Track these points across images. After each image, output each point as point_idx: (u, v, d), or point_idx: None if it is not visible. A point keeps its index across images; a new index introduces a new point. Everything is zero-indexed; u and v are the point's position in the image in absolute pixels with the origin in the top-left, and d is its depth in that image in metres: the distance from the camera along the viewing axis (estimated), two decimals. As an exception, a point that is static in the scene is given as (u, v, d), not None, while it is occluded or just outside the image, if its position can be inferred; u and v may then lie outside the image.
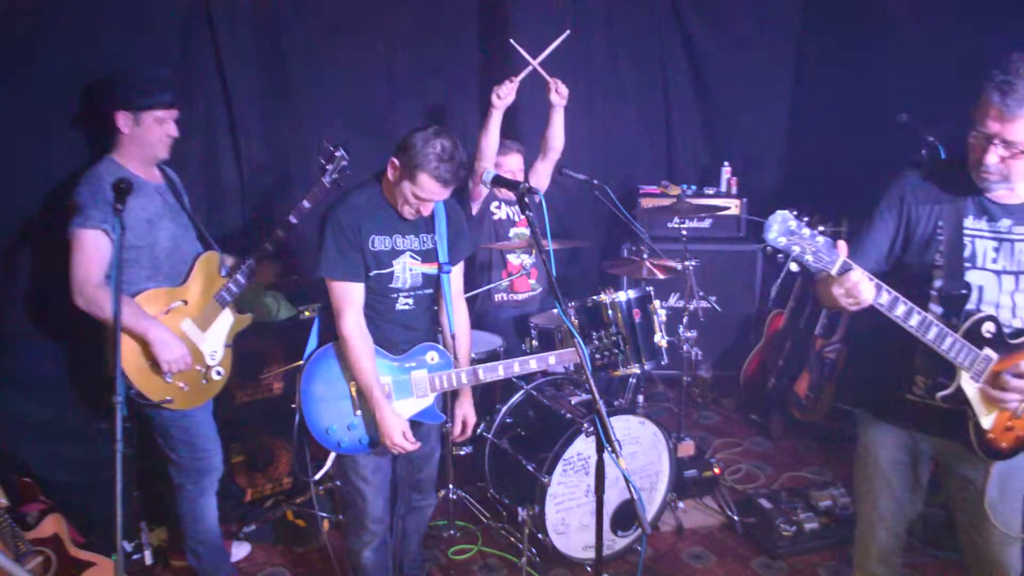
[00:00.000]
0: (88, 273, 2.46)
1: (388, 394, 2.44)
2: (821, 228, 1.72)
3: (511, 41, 3.69)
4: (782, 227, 1.69)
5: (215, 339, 2.78)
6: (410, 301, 2.49)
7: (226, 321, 2.83)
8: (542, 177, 3.94)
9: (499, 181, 2.26)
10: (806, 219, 1.71)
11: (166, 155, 2.71)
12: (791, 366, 4.39)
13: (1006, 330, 1.96)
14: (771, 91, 5.10)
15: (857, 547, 2.36)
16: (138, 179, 2.59)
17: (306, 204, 2.85)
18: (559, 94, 3.70)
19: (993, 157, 1.84)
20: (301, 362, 2.95)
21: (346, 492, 2.59)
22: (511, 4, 4.29)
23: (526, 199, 2.10)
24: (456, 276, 2.63)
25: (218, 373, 2.79)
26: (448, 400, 2.87)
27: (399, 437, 2.39)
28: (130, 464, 2.68)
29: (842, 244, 1.74)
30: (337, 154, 2.89)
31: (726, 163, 4.98)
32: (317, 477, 2.62)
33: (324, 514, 3.51)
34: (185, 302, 2.69)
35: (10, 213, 2.88)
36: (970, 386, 1.96)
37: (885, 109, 3.74)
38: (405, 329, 2.51)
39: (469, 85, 4.37)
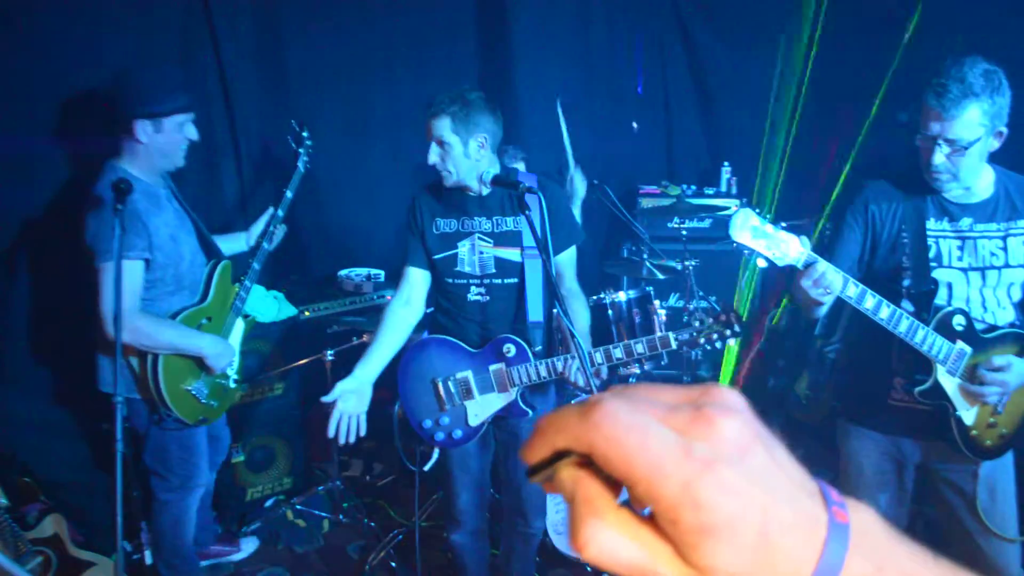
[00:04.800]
0: (131, 304, 2.37)
1: (470, 389, 2.40)
2: (784, 224, 1.78)
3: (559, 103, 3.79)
4: (746, 224, 1.74)
5: (234, 349, 2.74)
6: (483, 291, 2.40)
7: (239, 328, 2.78)
8: None
9: (499, 181, 2.26)
10: (768, 216, 1.75)
11: (183, 162, 2.61)
12: (791, 366, 4.39)
13: (978, 325, 2.01)
14: (771, 91, 5.09)
15: None
16: (156, 192, 2.53)
17: (289, 195, 2.80)
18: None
19: (939, 157, 1.92)
20: (303, 361, 2.94)
21: (443, 477, 2.63)
22: (511, 3, 4.29)
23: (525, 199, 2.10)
24: (569, 266, 2.51)
25: (235, 382, 2.76)
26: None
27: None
28: (130, 464, 2.68)
29: (804, 238, 1.80)
30: (303, 135, 2.83)
31: (726, 163, 4.98)
32: (427, 467, 2.62)
33: (324, 514, 3.52)
34: (209, 319, 2.63)
35: (10, 214, 2.88)
36: (948, 381, 1.99)
37: (885, 108, 3.74)
38: (480, 327, 2.41)
39: (469, 82, 4.36)
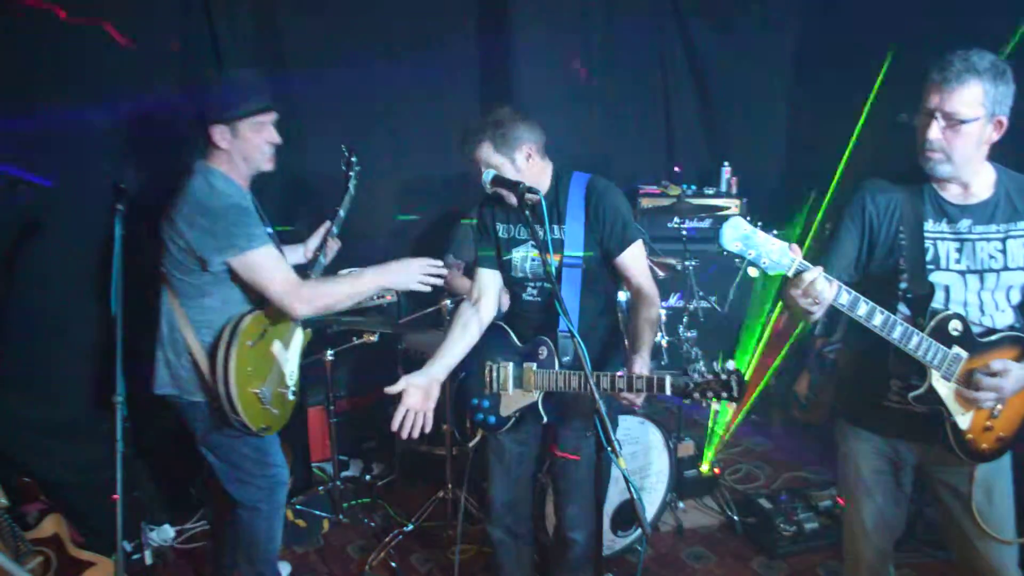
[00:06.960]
0: (289, 278, 2.42)
1: (507, 380, 2.41)
2: (775, 232, 1.75)
3: None
4: (736, 232, 1.72)
5: (294, 359, 2.68)
6: (535, 292, 2.47)
7: (299, 338, 2.72)
8: None
9: (499, 181, 2.26)
10: (759, 224, 1.74)
11: (270, 166, 2.55)
12: (791, 366, 4.39)
13: (976, 329, 1.98)
14: (771, 91, 5.09)
15: (846, 561, 2.36)
16: (246, 196, 2.49)
17: (342, 213, 2.86)
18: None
19: (935, 131, 1.89)
20: (303, 361, 2.90)
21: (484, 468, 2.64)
22: (511, 2, 4.29)
23: (526, 198, 2.10)
24: (632, 266, 2.44)
25: (293, 393, 2.67)
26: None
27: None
28: (130, 464, 2.68)
29: (795, 247, 1.77)
30: (352, 159, 2.93)
31: (726, 163, 4.98)
32: (473, 443, 2.60)
33: (324, 514, 3.52)
34: (274, 323, 2.56)
35: (11, 215, 2.88)
36: (942, 385, 1.96)
37: (885, 109, 3.74)
38: (531, 325, 2.46)
39: (469, 83, 4.38)
